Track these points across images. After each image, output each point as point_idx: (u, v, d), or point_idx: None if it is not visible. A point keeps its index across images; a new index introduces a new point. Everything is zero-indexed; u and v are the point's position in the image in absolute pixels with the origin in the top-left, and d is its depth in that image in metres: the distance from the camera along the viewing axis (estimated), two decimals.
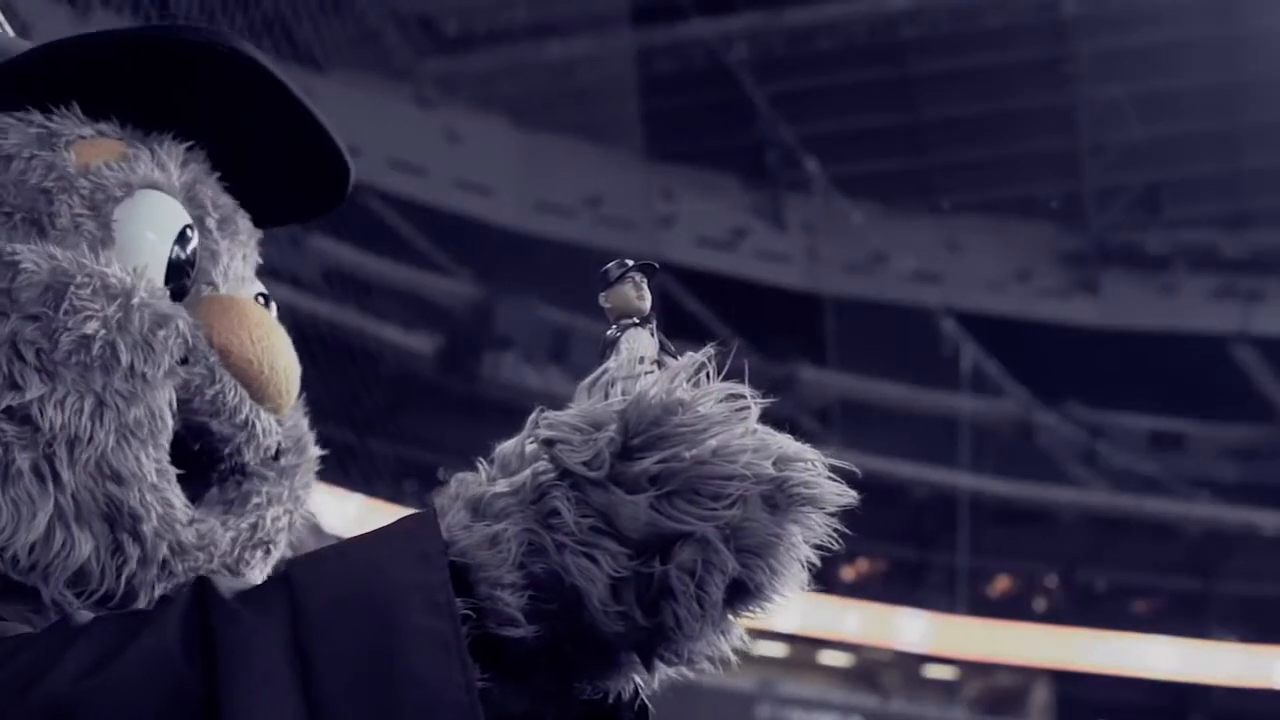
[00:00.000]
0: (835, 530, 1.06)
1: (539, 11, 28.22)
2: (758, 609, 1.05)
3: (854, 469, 1.06)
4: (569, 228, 29.33)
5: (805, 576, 1.05)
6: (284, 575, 1.04)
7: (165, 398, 1.19)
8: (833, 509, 1.05)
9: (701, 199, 32.24)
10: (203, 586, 1.03)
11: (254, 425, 1.27)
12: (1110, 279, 34.03)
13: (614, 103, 28.74)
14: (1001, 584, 32.50)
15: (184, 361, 1.22)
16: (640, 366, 1.09)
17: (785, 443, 1.05)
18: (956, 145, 31.81)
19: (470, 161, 29.01)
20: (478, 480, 1.08)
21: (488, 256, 27.92)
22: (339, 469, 16.76)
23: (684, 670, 1.08)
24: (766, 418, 1.06)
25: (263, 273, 1.42)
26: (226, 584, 1.04)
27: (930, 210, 32.48)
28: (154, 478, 1.18)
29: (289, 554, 1.35)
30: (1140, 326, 32.94)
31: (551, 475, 1.04)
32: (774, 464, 1.03)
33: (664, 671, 1.09)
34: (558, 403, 1.09)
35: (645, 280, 1.15)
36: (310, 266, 22.29)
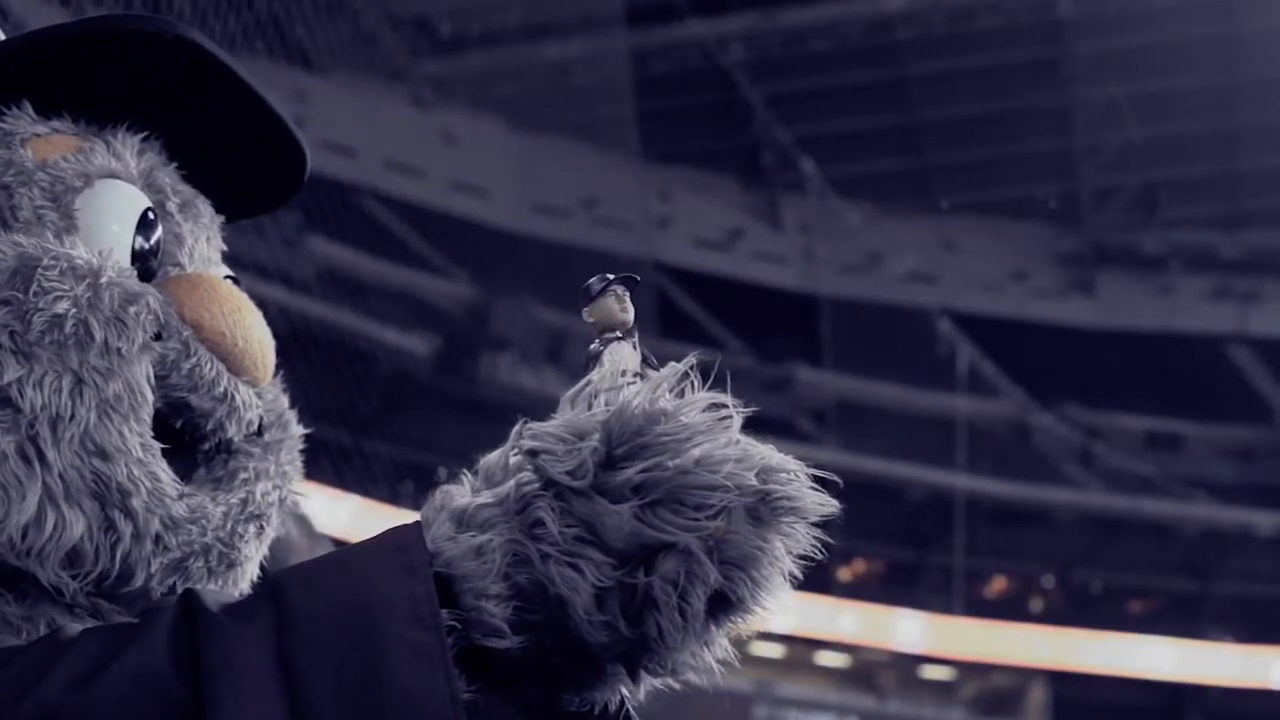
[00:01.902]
0: (826, 535, 1.06)
1: (535, 13, 28.23)
2: (741, 621, 1.05)
3: (837, 479, 1.06)
4: (565, 229, 29.35)
5: (789, 588, 1.05)
6: (270, 588, 1.05)
7: (142, 372, 1.20)
8: (817, 519, 1.05)
9: (698, 200, 32.26)
10: (190, 599, 1.04)
11: (233, 398, 1.27)
12: (1107, 279, 34.05)
13: (610, 104, 28.76)
14: (998, 584, 32.52)
15: (157, 337, 1.22)
16: (623, 378, 1.09)
17: (768, 453, 1.04)
18: (953, 146, 31.84)
19: (466, 163, 29.02)
20: (462, 491, 1.08)
21: (484, 257, 27.94)
22: (335, 470, 16.75)
23: (669, 681, 1.08)
24: (760, 420, 1.06)
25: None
26: (213, 597, 1.05)
27: (926, 211, 32.51)
28: (139, 452, 1.18)
29: (280, 532, 1.36)
30: (1137, 327, 32.97)
31: (535, 485, 1.04)
32: (757, 475, 1.03)
33: (649, 682, 1.09)
34: (554, 404, 1.10)
35: (627, 293, 1.16)
36: (307, 268, 22.30)
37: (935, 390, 31.31)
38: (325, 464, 16.03)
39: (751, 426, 1.06)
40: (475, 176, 29.19)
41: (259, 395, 1.32)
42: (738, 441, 1.05)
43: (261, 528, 1.31)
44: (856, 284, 32.55)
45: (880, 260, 33.17)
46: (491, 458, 1.09)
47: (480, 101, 29.19)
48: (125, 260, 1.26)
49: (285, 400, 1.38)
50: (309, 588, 1.03)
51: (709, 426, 1.04)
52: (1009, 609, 31.21)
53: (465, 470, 1.10)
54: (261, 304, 1.37)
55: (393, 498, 19.47)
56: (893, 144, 31.95)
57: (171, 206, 1.33)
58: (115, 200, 1.28)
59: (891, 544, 30.52)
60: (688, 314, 30.26)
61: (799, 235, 32.88)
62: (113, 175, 1.29)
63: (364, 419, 18.14)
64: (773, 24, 30.23)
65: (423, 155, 28.42)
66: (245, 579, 1.31)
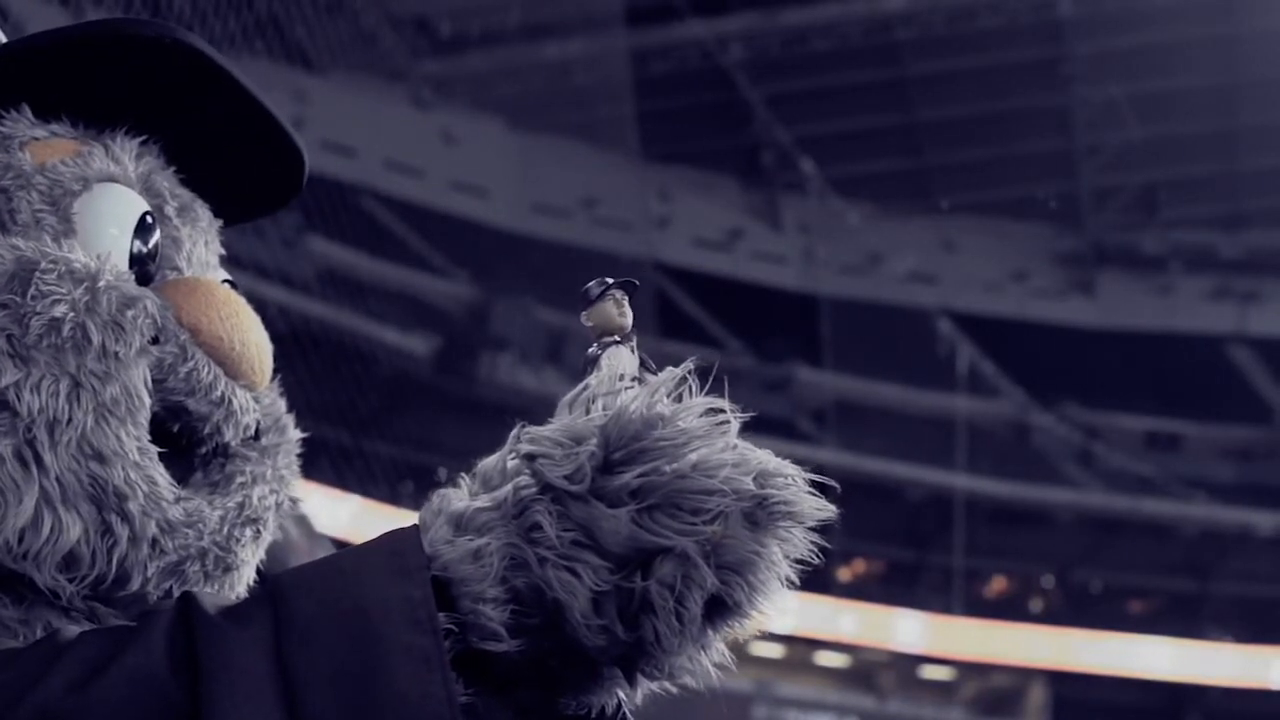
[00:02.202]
0: (824, 537, 1.06)
1: (535, 13, 28.23)
2: (737, 625, 1.05)
3: (835, 484, 1.06)
4: (565, 229, 29.34)
5: (785, 593, 1.05)
6: (268, 591, 1.05)
7: (140, 376, 1.20)
8: (814, 524, 1.05)
9: (698, 200, 32.27)
10: (187, 602, 1.04)
11: (230, 402, 1.27)
12: (1106, 279, 34.05)
13: (610, 104, 28.73)
14: (998, 585, 32.52)
15: (155, 341, 1.23)
16: (621, 383, 1.09)
17: (765, 458, 1.05)
18: (952, 146, 31.83)
19: (466, 163, 29.02)
20: (460, 495, 1.08)
21: (484, 258, 27.94)
22: (335, 470, 16.75)
23: (666, 684, 1.09)
24: (760, 421, 1.06)
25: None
26: (211, 599, 1.05)
27: (926, 211, 32.50)
28: (136, 455, 1.19)
29: (278, 537, 1.36)
30: (1136, 327, 32.97)
31: (533, 489, 1.04)
32: (754, 479, 1.03)
33: (646, 685, 1.09)
34: (554, 405, 1.10)
35: (626, 298, 1.16)
36: (307, 268, 22.30)
37: (935, 390, 31.31)
38: (325, 464, 16.02)
39: (751, 427, 1.06)
40: (475, 176, 29.19)
41: (256, 399, 1.32)
42: (735, 446, 1.05)
43: (258, 532, 1.31)
44: (856, 284, 32.54)
45: (880, 260, 33.17)
46: (489, 461, 1.09)
47: (480, 101, 29.19)
48: (123, 264, 1.27)
49: (283, 404, 1.38)
50: (306, 591, 1.03)
51: (706, 431, 1.04)
52: (1009, 609, 31.22)
53: (465, 471, 1.10)
54: (261, 304, 1.37)
55: (393, 498, 19.46)
56: (893, 144, 31.94)
57: (170, 210, 1.34)
58: (113, 204, 1.28)
59: (891, 544, 30.53)
60: (687, 314, 30.26)
61: (799, 235, 32.88)
62: (111, 179, 1.29)
63: (364, 419, 18.12)
64: (773, 24, 30.23)
65: (423, 155, 28.42)
66: (242, 583, 1.31)
